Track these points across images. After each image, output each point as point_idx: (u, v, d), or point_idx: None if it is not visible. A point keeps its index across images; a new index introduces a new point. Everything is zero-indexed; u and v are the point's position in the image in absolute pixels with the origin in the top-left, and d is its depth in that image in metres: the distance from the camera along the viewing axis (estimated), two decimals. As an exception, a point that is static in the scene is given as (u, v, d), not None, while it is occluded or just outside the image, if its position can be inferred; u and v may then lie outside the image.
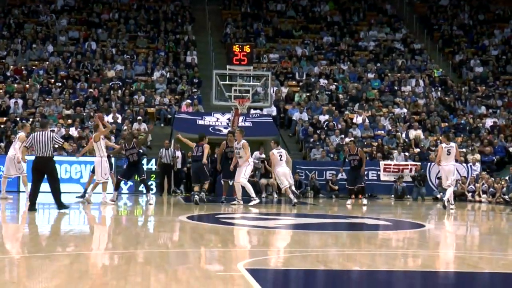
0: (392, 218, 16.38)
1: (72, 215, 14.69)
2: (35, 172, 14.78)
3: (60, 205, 14.68)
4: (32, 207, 14.57)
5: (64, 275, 6.94)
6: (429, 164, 25.35)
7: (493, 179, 24.59)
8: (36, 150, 14.68)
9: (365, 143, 27.03)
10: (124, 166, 19.87)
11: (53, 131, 18.54)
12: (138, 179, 20.12)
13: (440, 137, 21.74)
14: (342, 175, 22.87)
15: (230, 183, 19.74)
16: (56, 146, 15.24)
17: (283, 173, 18.86)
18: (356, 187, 20.80)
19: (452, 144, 19.27)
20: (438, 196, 24.74)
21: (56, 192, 14.69)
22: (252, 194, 18.53)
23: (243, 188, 18.64)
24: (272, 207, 19.87)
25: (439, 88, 32.62)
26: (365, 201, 20.62)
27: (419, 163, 25.34)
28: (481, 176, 24.72)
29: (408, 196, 24.80)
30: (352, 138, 24.81)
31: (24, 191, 20.17)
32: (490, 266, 8.48)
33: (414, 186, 24.99)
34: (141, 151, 20.22)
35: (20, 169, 19.31)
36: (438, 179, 25.11)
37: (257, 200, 18.59)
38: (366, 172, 24.61)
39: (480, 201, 23.87)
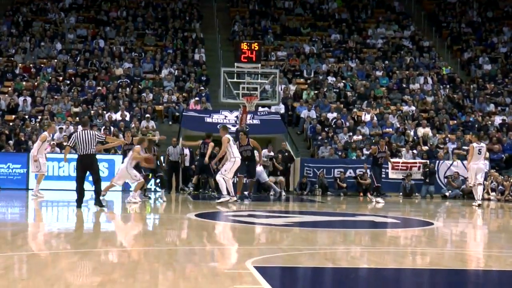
0: (401, 216, 16.36)
1: (79, 213, 14.72)
2: (80, 170, 15.17)
3: (99, 203, 15.09)
4: (79, 204, 15.03)
5: (73, 272, 6.95)
6: (437, 161, 25.30)
7: (502, 177, 24.54)
8: (79, 149, 14.99)
9: (374, 141, 26.98)
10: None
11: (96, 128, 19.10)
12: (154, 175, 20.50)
13: (471, 137, 22.06)
14: (364, 172, 23.45)
15: (244, 180, 19.86)
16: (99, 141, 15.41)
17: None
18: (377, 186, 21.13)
19: (483, 144, 20.03)
20: (447, 194, 24.72)
21: (98, 189, 15.18)
22: (224, 191, 18.29)
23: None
24: (280, 204, 19.86)
25: (448, 86, 32.55)
26: (381, 200, 21.10)
27: (428, 161, 25.27)
28: (490, 174, 24.66)
29: (417, 194, 24.76)
30: (385, 136, 25.10)
31: (33, 189, 20.25)
32: (498, 264, 8.46)
33: (422, 184, 24.95)
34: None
35: (38, 167, 19.52)
36: (446, 178, 25.10)
37: (227, 198, 18.15)
38: (366, 169, 24.73)
39: (489, 199, 23.82)
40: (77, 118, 27.29)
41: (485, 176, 24.68)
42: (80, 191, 15.14)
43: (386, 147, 21.22)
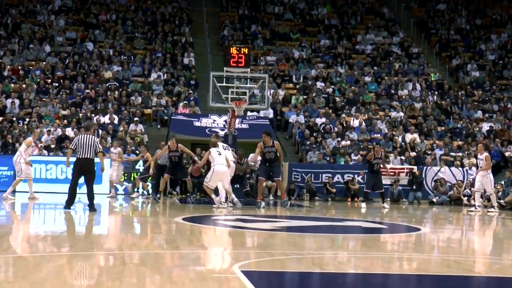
0: (388, 222, 16.39)
1: (67, 215, 14.66)
2: (77, 173, 15.35)
3: (92, 207, 15.18)
4: (68, 206, 15.28)
5: (59, 275, 6.92)
6: (425, 168, 25.37)
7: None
8: (79, 152, 15.16)
9: (362, 146, 27.05)
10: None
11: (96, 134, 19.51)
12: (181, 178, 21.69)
13: (481, 146, 22.26)
14: (358, 177, 23.66)
15: (264, 184, 20.24)
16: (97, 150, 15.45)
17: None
18: (379, 192, 21.32)
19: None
20: (434, 200, 24.78)
21: (91, 193, 15.27)
22: (213, 195, 18.37)
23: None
24: (268, 209, 19.85)
25: (436, 92, 32.67)
26: (386, 205, 21.26)
27: (415, 167, 25.33)
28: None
29: (404, 199, 24.81)
30: (379, 142, 25.28)
31: (27, 191, 20.13)
32: (485, 270, 8.49)
33: (410, 190, 25.00)
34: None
35: (19, 172, 19.68)
36: (434, 182, 25.16)
37: (218, 203, 18.30)
38: (362, 175, 24.73)
39: (475, 205, 23.84)
40: (65, 120, 27.22)
41: (472, 183, 24.77)
42: (72, 193, 15.32)
43: (382, 153, 21.33)
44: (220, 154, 18.27)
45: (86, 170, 15.20)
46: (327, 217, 17.54)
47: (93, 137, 15.50)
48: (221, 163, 18.20)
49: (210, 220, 14.92)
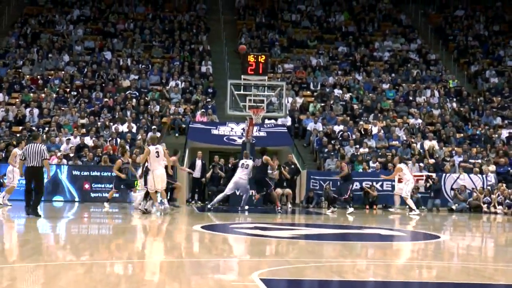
0: (407, 229, 16.31)
1: (84, 224, 14.72)
2: (27, 180, 16.12)
3: (35, 212, 15.67)
4: (28, 211, 15.84)
5: (79, 284, 6.95)
6: (444, 175, 25.24)
7: (509, 190, 24.47)
8: (27, 161, 15.83)
9: (380, 153, 26.96)
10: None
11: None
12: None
13: (397, 159, 22.59)
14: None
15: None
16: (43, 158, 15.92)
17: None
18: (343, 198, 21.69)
19: None
20: (453, 207, 24.65)
21: (37, 200, 15.90)
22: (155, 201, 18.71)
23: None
24: (286, 217, 19.83)
25: (454, 99, 32.51)
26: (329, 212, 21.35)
27: (433, 174, 25.22)
28: (497, 187, 24.60)
29: (423, 207, 24.68)
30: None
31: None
32: (505, 278, 8.43)
33: (428, 197, 24.88)
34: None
35: (11, 179, 20.50)
36: (453, 189, 25.04)
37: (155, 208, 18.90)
38: (380, 183, 24.68)
39: (495, 213, 23.74)
40: (83, 129, 27.38)
41: (492, 190, 24.66)
42: (28, 200, 15.94)
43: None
44: (158, 156, 17.53)
45: (33, 177, 15.89)
46: (345, 224, 17.47)
47: (40, 145, 16.01)
48: (159, 165, 17.67)
49: (229, 228, 14.92)
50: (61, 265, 8.32)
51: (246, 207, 20.49)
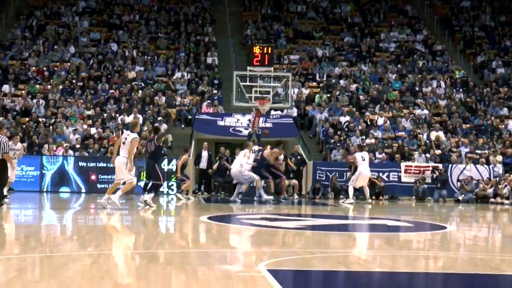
0: (413, 220, 16.29)
1: (90, 215, 14.73)
2: None
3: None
4: None
5: (86, 275, 6.96)
6: (450, 165, 25.19)
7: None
8: None
9: (386, 144, 26.91)
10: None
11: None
12: None
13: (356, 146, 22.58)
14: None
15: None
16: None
17: None
18: None
19: None
20: (460, 198, 24.60)
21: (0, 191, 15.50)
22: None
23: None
24: (293, 208, 19.83)
25: (461, 90, 32.41)
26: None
27: (440, 165, 25.17)
28: (504, 178, 24.54)
29: (429, 198, 24.65)
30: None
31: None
32: (512, 268, 8.40)
33: (435, 188, 24.84)
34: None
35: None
36: (459, 181, 24.99)
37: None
38: (387, 174, 24.66)
39: (502, 203, 23.69)
40: (90, 120, 27.40)
41: (499, 180, 24.59)
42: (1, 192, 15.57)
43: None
44: (124, 143, 16.25)
45: None
46: (352, 215, 17.46)
47: (2, 138, 15.37)
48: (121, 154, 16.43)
49: (235, 219, 14.93)
50: (67, 255, 8.33)
51: (237, 199, 20.70)
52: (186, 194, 21.74)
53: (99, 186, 24.03)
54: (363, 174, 21.95)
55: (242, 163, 20.29)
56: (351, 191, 22.02)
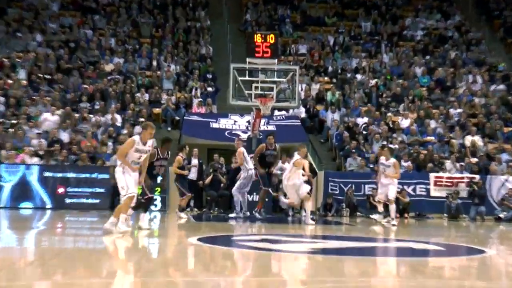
0: (445, 242, 16.24)
1: (57, 235, 14.65)
2: None
3: None
4: None
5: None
6: (489, 177, 25.15)
7: None
8: None
9: (412, 151, 26.87)
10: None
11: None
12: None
13: (386, 151, 21.21)
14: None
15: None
16: None
17: None
18: None
19: None
20: (501, 215, 24.53)
21: None
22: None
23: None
24: (300, 227, 19.76)
25: (501, 86, 32.42)
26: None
27: (477, 176, 25.13)
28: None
29: (464, 215, 24.60)
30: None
31: None
32: None
33: (471, 204, 24.77)
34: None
35: None
36: (500, 196, 24.90)
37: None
38: (413, 187, 24.59)
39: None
40: (58, 122, 27.34)
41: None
42: None
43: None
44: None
45: None
46: (370, 236, 17.41)
47: None
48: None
49: (231, 240, 14.85)
50: (27, 285, 8.23)
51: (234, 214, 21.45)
52: (182, 211, 20.85)
53: (67, 200, 23.98)
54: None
55: (293, 175, 19.68)
56: (392, 210, 20.45)
